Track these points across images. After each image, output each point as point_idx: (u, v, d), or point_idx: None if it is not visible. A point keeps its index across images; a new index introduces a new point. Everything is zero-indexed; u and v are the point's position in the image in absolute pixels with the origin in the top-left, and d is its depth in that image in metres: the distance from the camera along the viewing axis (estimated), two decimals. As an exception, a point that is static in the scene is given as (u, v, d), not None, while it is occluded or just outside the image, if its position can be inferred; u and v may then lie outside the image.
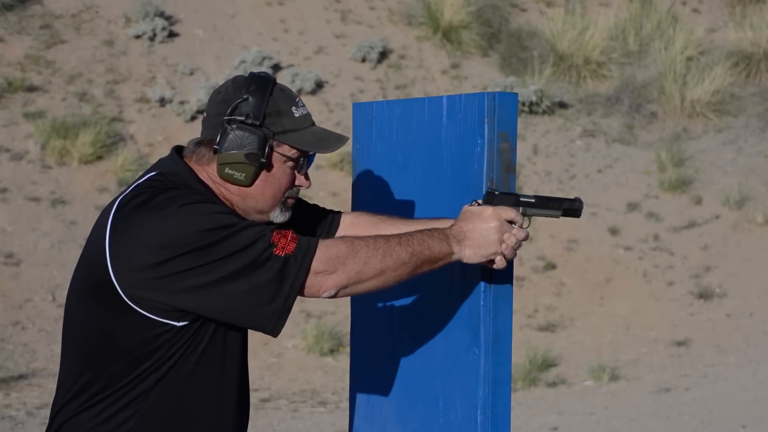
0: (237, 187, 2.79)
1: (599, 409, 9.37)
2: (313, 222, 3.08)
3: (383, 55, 14.51)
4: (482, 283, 2.87)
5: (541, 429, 8.80)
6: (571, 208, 2.88)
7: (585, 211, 12.86)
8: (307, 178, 2.87)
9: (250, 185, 2.78)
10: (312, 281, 2.64)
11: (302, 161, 2.83)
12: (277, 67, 13.86)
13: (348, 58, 14.38)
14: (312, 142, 2.80)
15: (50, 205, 11.51)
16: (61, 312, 10.38)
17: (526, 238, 2.78)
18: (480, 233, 2.74)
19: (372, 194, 3.21)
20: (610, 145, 14.06)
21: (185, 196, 2.67)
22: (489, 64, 15.01)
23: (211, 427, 2.78)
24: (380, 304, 3.15)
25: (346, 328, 10.14)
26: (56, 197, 11.62)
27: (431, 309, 3.01)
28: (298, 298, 2.68)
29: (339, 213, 3.15)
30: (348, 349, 7.73)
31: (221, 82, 13.25)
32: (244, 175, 2.76)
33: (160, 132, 12.85)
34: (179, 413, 2.74)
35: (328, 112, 13.48)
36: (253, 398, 9.14)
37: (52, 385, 9.41)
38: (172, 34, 14.01)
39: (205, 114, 2.85)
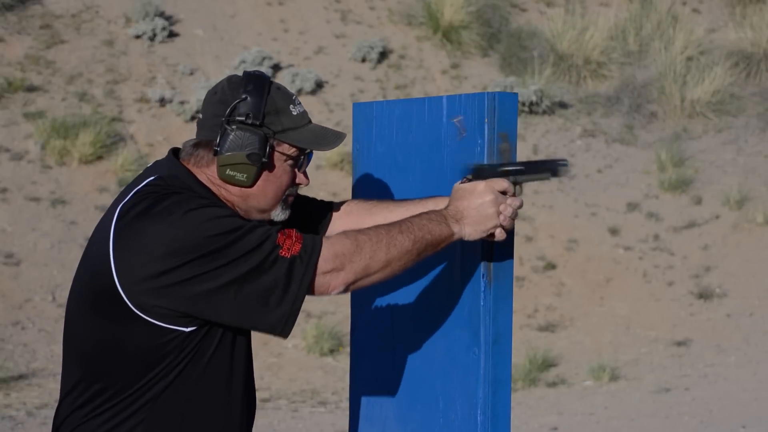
0: (238, 188, 2.77)
1: (599, 409, 9.37)
2: (308, 215, 3.07)
3: (383, 55, 14.51)
4: (482, 283, 2.87)
5: (541, 429, 8.80)
6: (558, 168, 2.83)
7: (585, 211, 12.87)
8: (306, 176, 2.87)
9: (251, 186, 2.76)
10: (320, 281, 2.64)
11: (302, 159, 2.83)
12: (277, 67, 13.87)
13: (348, 58, 14.38)
14: (312, 140, 2.79)
15: (50, 205, 11.52)
16: (61, 312, 10.38)
17: (521, 205, 2.76)
18: (476, 209, 2.73)
19: (372, 194, 3.21)
20: (610, 145, 14.06)
21: (189, 201, 2.65)
22: (489, 64, 15.01)
23: (220, 431, 2.78)
24: (380, 304, 3.16)
25: (346, 328, 10.14)
26: (56, 197, 11.62)
27: (431, 309, 3.01)
28: None
29: (331, 203, 3.15)
30: (348, 349, 7.73)
31: (221, 82, 13.28)
32: (245, 175, 2.74)
33: (160, 132, 12.85)
34: (188, 419, 2.73)
35: (328, 112, 13.48)
36: (253, 398, 9.14)
37: (52, 385, 9.41)
38: (172, 34, 14.01)
39: (201, 115, 2.81)
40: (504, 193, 2.75)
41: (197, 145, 2.80)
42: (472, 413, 2.88)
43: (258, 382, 9.86)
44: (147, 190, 2.71)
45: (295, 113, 2.79)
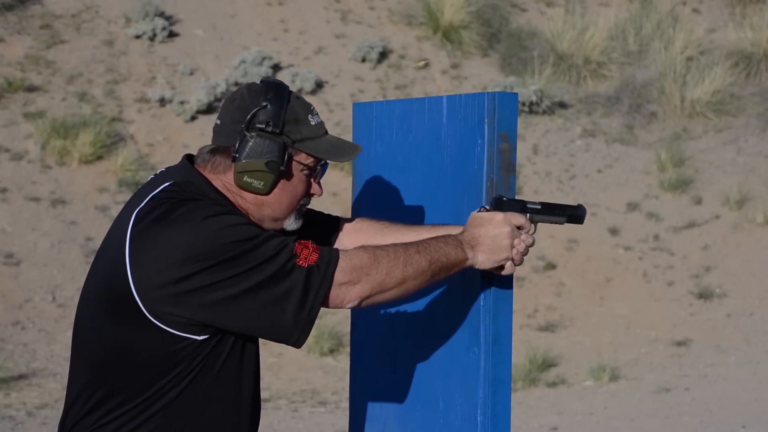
0: (253, 195, 2.76)
1: (599, 409, 9.37)
2: (315, 228, 3.06)
3: (383, 55, 14.51)
4: (482, 283, 2.87)
5: (541, 429, 8.80)
6: (575, 215, 2.91)
7: (585, 211, 12.85)
8: (320, 186, 2.86)
9: (268, 193, 2.75)
10: (335, 292, 2.63)
11: (318, 169, 2.83)
12: (277, 67, 13.87)
13: (348, 58, 14.38)
14: (329, 151, 2.78)
15: (50, 205, 11.51)
16: (61, 312, 10.38)
17: (532, 244, 2.80)
18: (492, 239, 2.75)
19: (372, 194, 3.21)
20: (610, 145, 14.06)
21: (206, 208, 2.64)
22: (489, 64, 15.01)
23: None
24: (380, 305, 3.15)
25: (346, 328, 10.14)
26: (56, 197, 11.62)
27: (431, 309, 3.01)
28: None
29: (339, 219, 3.15)
30: (348, 349, 7.73)
31: (221, 82, 13.28)
32: (262, 183, 2.73)
33: (160, 132, 12.85)
34: (198, 426, 2.72)
35: (328, 112, 13.48)
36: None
37: (52, 385, 9.41)
38: (172, 34, 14.01)
39: (218, 121, 2.79)
40: (519, 228, 2.78)
41: (214, 151, 2.78)
42: (472, 413, 2.88)
43: (258, 382, 9.86)
44: (163, 195, 2.69)
45: (313, 123, 2.78)
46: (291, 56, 14.21)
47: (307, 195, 2.83)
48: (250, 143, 2.72)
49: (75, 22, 13.76)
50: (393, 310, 3.12)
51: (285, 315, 2.61)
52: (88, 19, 13.87)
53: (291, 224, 2.82)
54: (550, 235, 12.47)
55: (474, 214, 2.79)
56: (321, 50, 14.44)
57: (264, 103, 2.73)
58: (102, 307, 2.69)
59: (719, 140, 14.10)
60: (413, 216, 3.08)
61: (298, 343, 2.66)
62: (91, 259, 2.91)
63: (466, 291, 2.90)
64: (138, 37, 13.78)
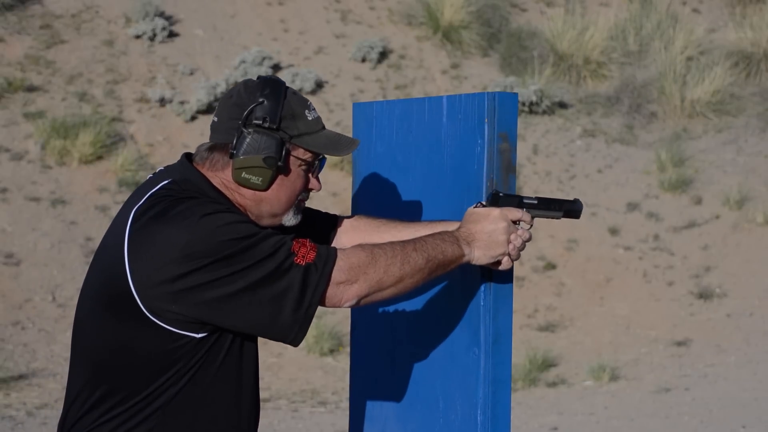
0: (252, 191, 2.76)
1: (599, 409, 9.37)
2: (312, 227, 3.06)
3: (383, 55, 14.51)
4: (482, 283, 2.87)
5: (541, 429, 8.80)
6: (571, 209, 2.91)
7: (585, 211, 12.86)
8: (318, 181, 2.86)
9: (266, 189, 2.75)
10: (333, 291, 2.63)
11: (316, 164, 2.83)
12: (277, 67, 13.86)
13: (348, 58, 14.38)
14: (326, 145, 2.78)
15: (50, 205, 11.51)
16: (61, 312, 10.38)
17: (530, 239, 2.80)
18: (489, 234, 2.75)
19: (372, 194, 3.21)
20: (610, 145, 14.06)
21: (204, 206, 2.64)
22: (489, 64, 15.01)
23: None
24: (380, 305, 3.15)
25: (346, 328, 10.14)
26: (56, 197, 11.61)
27: (431, 309, 3.01)
28: None
29: (336, 217, 3.15)
30: (348, 349, 7.74)
31: (221, 82, 13.28)
32: (261, 179, 2.73)
33: (160, 132, 12.85)
34: (198, 425, 2.72)
35: (328, 112, 13.48)
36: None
37: (52, 385, 9.41)
38: (172, 34, 14.01)
39: (215, 118, 2.79)
40: (516, 223, 2.78)
41: (212, 148, 2.78)
42: (472, 413, 2.88)
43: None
44: (162, 193, 2.69)
45: (310, 118, 2.78)
46: (291, 56, 14.21)
47: (306, 190, 2.83)
48: (248, 139, 2.72)
49: (75, 22, 13.76)
50: (393, 310, 3.12)
51: (282, 313, 2.61)
52: (88, 19, 13.87)
53: (290, 220, 2.82)
54: (550, 235, 12.47)
55: (470, 209, 2.79)
56: (321, 50, 14.44)
57: (261, 99, 2.73)
58: (101, 305, 2.69)
59: (719, 140, 14.10)
60: (413, 216, 3.08)
61: (295, 341, 2.65)
62: (91, 259, 2.90)
63: (466, 291, 2.90)
64: (138, 37, 13.78)
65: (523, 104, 14.11)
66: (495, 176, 2.85)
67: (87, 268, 3.05)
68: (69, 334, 10.08)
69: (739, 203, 12.74)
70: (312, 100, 13.37)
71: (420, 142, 3.05)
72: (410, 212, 3.09)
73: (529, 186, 13.08)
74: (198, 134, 12.70)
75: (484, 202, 2.81)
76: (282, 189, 2.77)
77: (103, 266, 2.71)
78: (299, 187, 2.80)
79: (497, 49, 15.16)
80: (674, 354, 10.84)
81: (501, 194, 2.80)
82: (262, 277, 2.59)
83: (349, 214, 3.24)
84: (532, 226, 2.83)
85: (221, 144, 2.76)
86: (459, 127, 2.93)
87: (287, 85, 2.82)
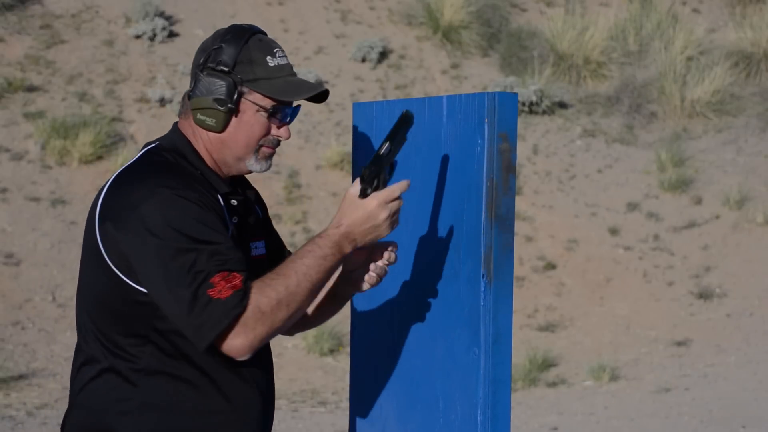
0: (213, 134, 2.83)
1: (599, 409, 9.37)
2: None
3: (383, 55, 14.51)
4: (482, 283, 2.87)
5: (541, 429, 8.80)
6: (406, 123, 2.82)
7: (585, 211, 12.86)
8: (287, 130, 2.87)
9: (221, 131, 2.81)
10: (223, 344, 2.66)
11: (281, 112, 2.84)
12: (277, 67, 13.87)
13: (348, 58, 14.39)
14: (281, 90, 2.81)
15: (50, 205, 11.52)
16: (61, 312, 10.39)
17: (398, 210, 2.76)
18: (369, 229, 2.74)
19: (372, 194, 3.20)
20: (610, 145, 14.06)
21: (169, 182, 2.72)
22: (489, 64, 15.01)
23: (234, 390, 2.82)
24: (380, 304, 3.15)
25: (346, 328, 10.14)
26: (56, 197, 11.62)
27: (431, 309, 3.01)
28: None
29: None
30: (348, 349, 7.73)
31: (221, 82, 13.29)
32: (214, 120, 2.80)
33: (160, 132, 12.83)
34: (180, 390, 2.76)
35: (328, 112, 13.48)
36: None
37: (52, 385, 9.41)
38: (172, 34, 14.01)
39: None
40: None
41: (183, 97, 2.90)
42: (472, 413, 2.88)
43: (258, 382, 9.85)
44: (144, 159, 2.84)
45: (272, 64, 2.82)
46: (291, 56, 14.21)
47: (268, 136, 2.85)
48: (202, 82, 2.80)
49: (75, 22, 13.76)
50: (393, 309, 3.12)
51: (180, 316, 2.66)
52: (88, 19, 13.87)
53: (252, 165, 2.86)
54: (550, 235, 12.48)
55: (350, 197, 2.75)
56: (321, 50, 14.44)
57: (220, 44, 2.81)
58: (85, 264, 2.81)
59: (719, 140, 14.10)
60: (413, 216, 3.08)
61: (197, 343, 2.68)
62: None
63: (466, 291, 2.90)
64: (138, 37, 13.78)
65: (523, 104, 14.11)
66: (495, 176, 2.85)
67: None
68: (69, 334, 10.08)
69: (739, 203, 12.74)
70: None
71: (420, 142, 3.05)
72: (410, 212, 3.09)
73: (529, 186, 13.09)
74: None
75: (361, 189, 2.73)
76: (238, 132, 2.82)
77: (87, 226, 2.83)
78: (258, 132, 2.83)
79: (497, 49, 15.16)
80: (674, 354, 10.84)
81: (371, 169, 2.73)
82: (175, 281, 2.64)
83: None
84: (391, 176, 2.81)
85: (188, 91, 2.87)
86: (459, 127, 2.93)
87: (261, 33, 2.86)
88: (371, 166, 2.75)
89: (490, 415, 2.86)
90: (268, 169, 2.88)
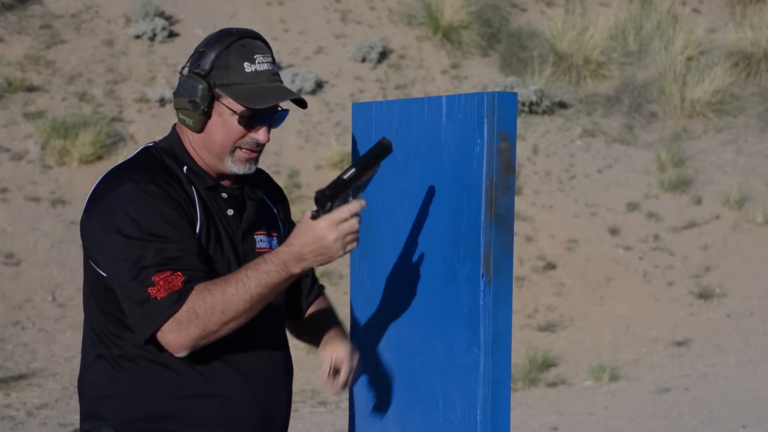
0: (195, 134, 2.90)
1: (599, 409, 9.37)
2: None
3: (383, 55, 14.51)
4: (482, 283, 2.87)
5: (541, 429, 8.80)
6: (381, 151, 2.82)
7: (585, 211, 12.86)
8: (266, 133, 2.90)
9: (200, 131, 2.89)
10: (161, 337, 2.74)
11: (257, 116, 2.86)
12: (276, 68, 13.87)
13: (348, 58, 14.38)
14: (249, 97, 2.84)
15: (50, 205, 11.52)
16: (61, 312, 10.40)
17: (356, 228, 2.76)
18: (318, 250, 2.75)
19: (371, 194, 3.20)
20: (610, 145, 14.06)
21: (136, 176, 2.81)
22: (489, 64, 15.01)
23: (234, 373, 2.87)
24: (380, 304, 3.15)
25: (346, 328, 10.13)
26: (56, 197, 11.62)
27: (431, 309, 3.01)
28: None
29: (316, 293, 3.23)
30: (348, 349, 7.70)
31: (221, 82, 13.29)
32: (192, 121, 2.88)
33: (160, 132, 12.84)
34: (158, 387, 2.83)
35: (328, 112, 13.48)
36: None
37: (52, 385, 9.41)
38: (172, 34, 14.02)
39: None
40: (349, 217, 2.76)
41: None
42: (471, 413, 2.88)
43: (258, 382, 9.85)
44: (126, 161, 2.92)
45: (248, 70, 2.86)
46: (291, 56, 14.21)
47: (244, 139, 2.88)
48: (182, 84, 2.89)
49: (75, 22, 13.76)
50: (392, 309, 3.12)
51: (125, 305, 2.77)
52: (88, 19, 13.87)
53: (230, 166, 2.90)
54: (550, 235, 12.48)
55: (304, 218, 2.77)
56: (321, 50, 14.44)
57: (203, 49, 2.88)
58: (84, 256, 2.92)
59: (719, 140, 14.10)
60: (413, 216, 3.08)
61: (137, 335, 2.78)
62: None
63: (466, 291, 2.90)
64: (138, 37, 13.78)
65: (523, 104, 14.11)
66: (494, 176, 2.85)
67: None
68: (69, 334, 10.09)
69: (739, 203, 12.74)
70: (312, 100, 13.37)
71: (419, 142, 3.05)
72: (410, 212, 3.09)
73: (529, 186, 13.09)
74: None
75: (314, 211, 2.76)
76: (215, 133, 2.88)
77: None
78: (233, 135, 2.87)
79: (497, 49, 15.16)
80: (674, 354, 10.84)
81: (326, 192, 2.74)
82: (124, 276, 2.75)
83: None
84: (361, 191, 2.84)
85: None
86: (458, 127, 2.93)
87: (252, 37, 2.90)
88: (327, 189, 2.76)
89: (490, 415, 2.86)
90: (249, 171, 2.91)
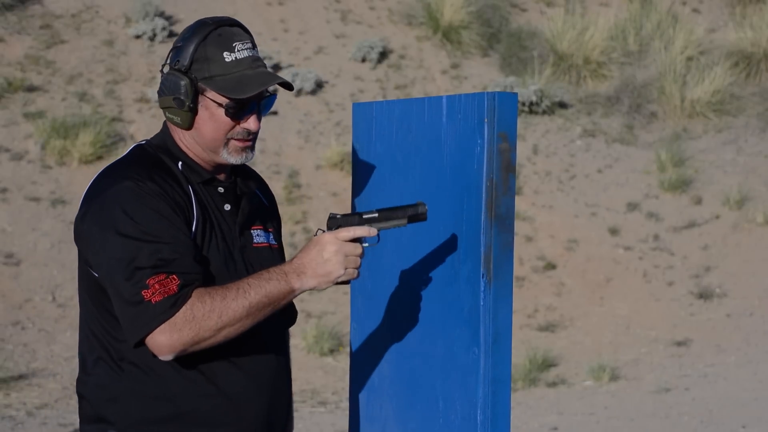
0: (185, 130, 2.86)
1: (599, 409, 9.36)
2: None
3: (383, 55, 14.51)
4: (482, 283, 2.87)
5: (541, 429, 8.80)
6: (415, 213, 2.84)
7: (585, 211, 12.85)
8: (256, 121, 2.86)
9: (189, 128, 2.84)
10: (150, 341, 2.71)
11: (245, 105, 2.83)
12: (277, 67, 13.87)
13: (348, 58, 14.38)
14: (232, 87, 2.80)
15: (50, 205, 11.51)
16: (61, 312, 10.39)
17: (362, 254, 2.77)
18: (318, 263, 2.75)
19: (372, 194, 3.21)
20: (610, 145, 14.06)
21: (132, 173, 2.77)
22: (489, 64, 15.01)
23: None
24: (380, 304, 3.15)
25: (346, 328, 10.14)
26: (56, 197, 11.62)
27: (431, 309, 3.01)
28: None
29: None
30: (348, 349, 7.73)
31: (221, 82, 13.28)
32: (179, 118, 2.83)
33: (160, 132, 12.85)
34: (157, 380, 2.80)
35: (328, 112, 13.48)
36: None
37: (52, 385, 9.41)
38: (172, 34, 14.01)
39: None
40: (360, 240, 2.77)
41: None
42: (472, 413, 2.88)
43: (258, 382, 9.84)
44: (123, 159, 2.87)
45: (228, 60, 2.82)
46: (291, 56, 14.21)
47: (236, 129, 2.84)
48: (164, 82, 2.84)
49: (75, 22, 13.76)
50: (393, 309, 3.12)
51: (117, 304, 2.73)
52: (88, 19, 13.87)
53: (225, 157, 2.86)
54: (550, 235, 12.48)
55: (313, 239, 2.79)
56: (321, 50, 14.44)
57: (180, 43, 2.84)
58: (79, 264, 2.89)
59: (719, 140, 14.10)
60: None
61: (129, 341, 2.75)
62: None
63: (466, 291, 2.90)
64: (138, 37, 13.78)
65: (523, 104, 14.11)
66: (495, 176, 2.85)
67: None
68: (69, 334, 10.08)
69: (739, 203, 12.74)
70: (312, 100, 13.37)
71: (420, 142, 3.05)
72: (410, 212, 3.09)
73: (529, 186, 13.09)
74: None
75: (324, 229, 2.79)
76: (205, 127, 2.83)
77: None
78: (222, 127, 2.83)
79: (497, 49, 15.16)
80: (674, 354, 10.84)
81: (338, 216, 2.78)
82: (117, 276, 2.71)
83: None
84: (379, 239, 2.82)
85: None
86: (459, 127, 2.93)
87: (229, 24, 2.88)
88: (341, 215, 2.78)
89: (490, 415, 2.86)
90: (247, 160, 2.88)
